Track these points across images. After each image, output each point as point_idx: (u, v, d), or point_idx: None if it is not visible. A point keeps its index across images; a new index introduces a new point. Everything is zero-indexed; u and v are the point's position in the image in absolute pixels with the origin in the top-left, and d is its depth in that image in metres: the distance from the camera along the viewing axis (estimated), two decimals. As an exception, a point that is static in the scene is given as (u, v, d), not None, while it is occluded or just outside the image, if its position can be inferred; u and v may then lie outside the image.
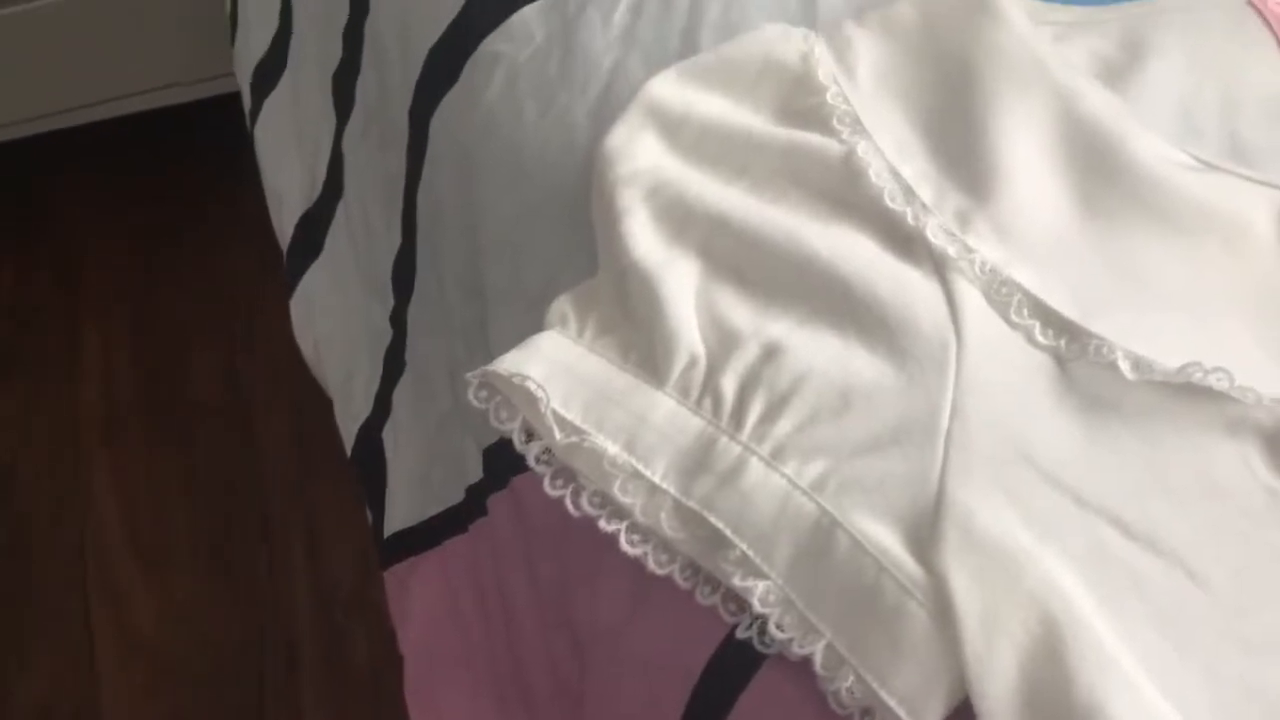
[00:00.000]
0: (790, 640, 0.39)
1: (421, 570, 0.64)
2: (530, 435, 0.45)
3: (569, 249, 0.51)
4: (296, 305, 0.77)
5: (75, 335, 1.22)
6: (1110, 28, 0.52)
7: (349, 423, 0.72)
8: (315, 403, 0.77)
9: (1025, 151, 0.47)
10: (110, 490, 1.15)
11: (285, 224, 0.77)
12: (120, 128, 1.26)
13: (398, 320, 0.66)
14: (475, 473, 0.58)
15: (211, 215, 1.27)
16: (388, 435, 0.68)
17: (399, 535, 0.66)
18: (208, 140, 1.18)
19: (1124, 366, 0.42)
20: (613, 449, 0.43)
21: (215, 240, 1.27)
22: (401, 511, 0.66)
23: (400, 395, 0.67)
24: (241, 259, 1.23)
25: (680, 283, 0.45)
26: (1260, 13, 0.53)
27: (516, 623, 0.53)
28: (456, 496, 0.60)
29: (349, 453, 0.72)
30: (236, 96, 0.86)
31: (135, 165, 1.32)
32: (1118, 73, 0.51)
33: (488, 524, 0.56)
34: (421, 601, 0.63)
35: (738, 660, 0.41)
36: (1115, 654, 0.36)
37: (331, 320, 0.73)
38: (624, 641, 0.45)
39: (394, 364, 0.67)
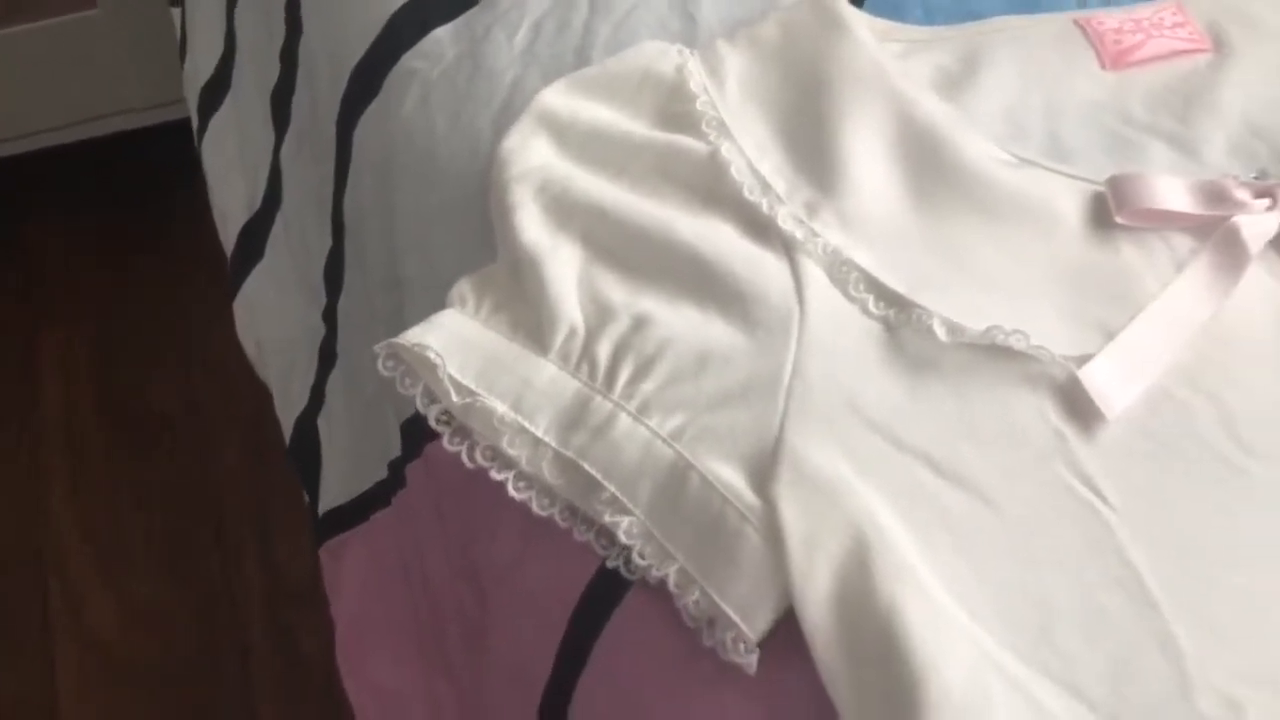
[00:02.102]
0: (649, 566, 0.46)
1: (351, 545, 0.69)
2: (433, 400, 0.51)
3: (474, 242, 0.58)
4: (239, 308, 0.83)
5: (35, 350, 1.28)
6: (951, 45, 0.60)
7: (287, 415, 0.78)
8: (268, 415, 0.82)
9: (867, 151, 0.54)
10: (68, 499, 1.20)
11: (229, 234, 0.84)
12: (85, 151, 1.32)
13: (329, 316, 0.72)
14: (396, 448, 0.64)
15: (171, 235, 1.33)
16: (322, 423, 0.74)
17: (331, 514, 0.71)
18: (168, 163, 1.24)
19: (940, 331, 0.49)
20: (501, 408, 0.49)
21: (174, 260, 1.33)
22: (333, 492, 0.72)
23: (333, 385, 0.73)
24: (199, 278, 1.29)
25: (563, 265, 0.52)
26: (1084, 31, 0.61)
27: (432, 580, 0.59)
28: (381, 473, 0.66)
29: (287, 442, 0.78)
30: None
31: (97, 188, 1.38)
32: (955, 83, 0.58)
33: (406, 493, 0.62)
34: (351, 574, 0.69)
35: (608, 587, 0.48)
36: (915, 567, 0.42)
37: (271, 321, 0.79)
38: (515, 578, 0.51)
39: (327, 357, 0.73)
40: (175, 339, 1.28)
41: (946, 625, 0.41)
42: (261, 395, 0.85)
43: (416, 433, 0.60)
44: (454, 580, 0.57)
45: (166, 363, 1.27)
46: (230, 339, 0.90)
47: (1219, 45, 0.60)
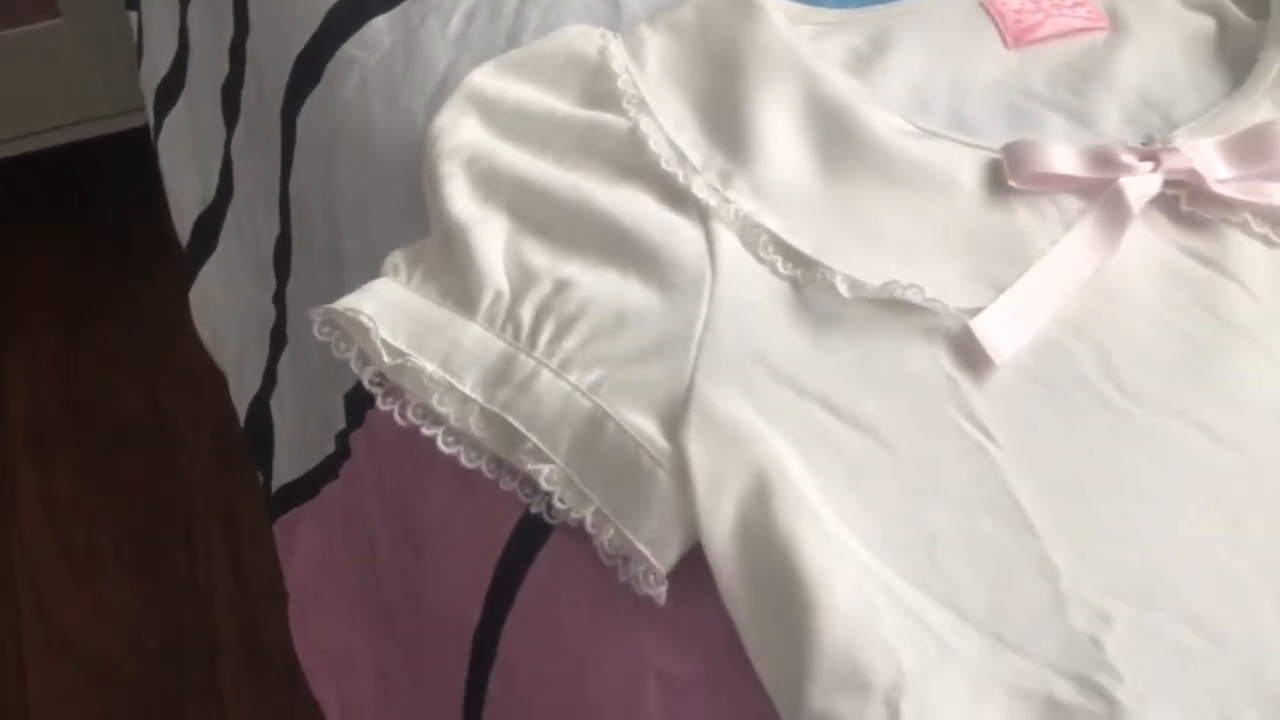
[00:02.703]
0: (569, 509, 0.49)
1: (303, 519, 0.72)
2: (366, 363, 0.54)
3: (409, 219, 0.60)
4: (195, 298, 0.85)
5: (1, 358, 1.29)
6: (861, 26, 0.63)
7: (242, 399, 0.80)
8: (233, 419, 0.84)
9: (778, 124, 0.57)
10: (36, 501, 1.22)
11: (184, 226, 0.86)
12: (49, 159, 1.34)
13: (279, 300, 0.75)
14: (342, 421, 0.66)
15: (133, 243, 1.35)
16: (274, 405, 0.77)
17: (284, 490, 0.74)
18: (131, 171, 1.26)
19: (842, 288, 0.52)
20: (430, 367, 0.52)
21: (137, 266, 1.35)
22: (285, 469, 0.74)
23: (283, 367, 0.75)
24: (162, 284, 1.31)
25: (490, 235, 0.55)
26: (988, 12, 0.64)
27: (375, 542, 0.62)
28: (329, 447, 0.69)
29: (242, 424, 0.80)
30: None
31: (61, 196, 1.40)
32: (864, 61, 0.61)
33: (351, 462, 0.65)
34: (303, 545, 0.71)
35: (532, 532, 0.51)
36: (812, 502, 0.45)
37: (225, 308, 0.82)
38: (447, 529, 0.54)
39: (278, 340, 0.76)
40: (140, 345, 1.31)
41: (838, 552, 0.44)
42: (226, 400, 0.87)
43: (358, 403, 0.63)
44: (393, 540, 0.59)
45: (131, 368, 1.30)
46: (194, 344, 0.92)
47: (1116, 24, 0.63)
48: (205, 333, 0.85)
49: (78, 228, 1.38)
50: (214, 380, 0.91)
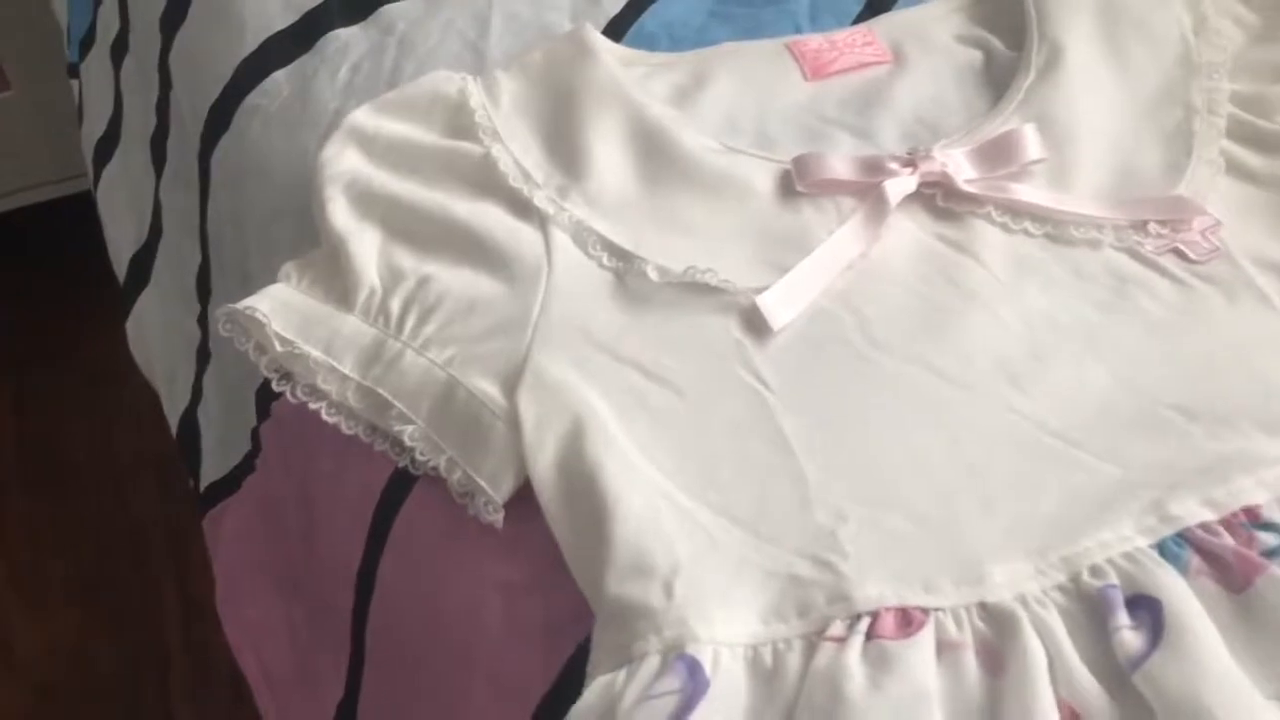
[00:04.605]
0: (427, 460, 0.59)
1: (227, 510, 0.82)
2: (263, 352, 0.64)
3: (304, 238, 0.71)
4: (131, 327, 0.96)
5: (-44, 407, 1.38)
6: (685, 66, 0.74)
7: (174, 414, 0.90)
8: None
9: (606, 147, 0.68)
10: (-11, 539, 1.30)
11: (121, 265, 0.97)
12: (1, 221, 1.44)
13: (203, 321, 0.85)
14: (254, 418, 0.77)
15: (80, 291, 1.44)
16: (201, 414, 0.87)
17: (210, 489, 0.84)
18: (75, 221, 1.34)
19: (652, 274, 0.63)
20: (315, 353, 0.63)
21: (83, 317, 1.44)
22: (211, 470, 0.84)
23: (208, 380, 0.86)
24: (107, 332, 1.40)
25: (366, 244, 0.66)
26: (792, 52, 0.76)
27: (283, 516, 0.72)
28: (246, 445, 0.79)
29: (174, 435, 0.90)
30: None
31: (12, 254, 1.49)
32: (686, 94, 0.73)
33: (263, 451, 0.75)
34: (226, 533, 0.81)
35: (401, 482, 0.61)
36: (617, 437, 0.56)
37: (157, 333, 0.92)
38: (334, 488, 0.64)
39: (203, 357, 0.86)
40: (88, 385, 1.40)
41: (634, 474, 0.55)
42: (171, 435, 0.96)
43: (266, 399, 0.73)
44: (296, 508, 0.69)
45: (80, 407, 1.39)
46: (139, 383, 1.01)
47: (899, 57, 0.75)
48: (140, 357, 0.95)
49: (28, 283, 1.47)
50: (158, 417, 0.99)
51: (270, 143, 0.76)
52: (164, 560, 1.28)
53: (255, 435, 0.77)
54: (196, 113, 0.81)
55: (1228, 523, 0.50)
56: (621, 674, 0.49)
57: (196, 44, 0.85)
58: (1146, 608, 0.47)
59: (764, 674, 0.49)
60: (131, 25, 0.96)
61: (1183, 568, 0.49)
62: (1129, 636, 0.46)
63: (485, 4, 0.80)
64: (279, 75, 0.78)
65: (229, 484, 0.82)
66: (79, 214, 1.28)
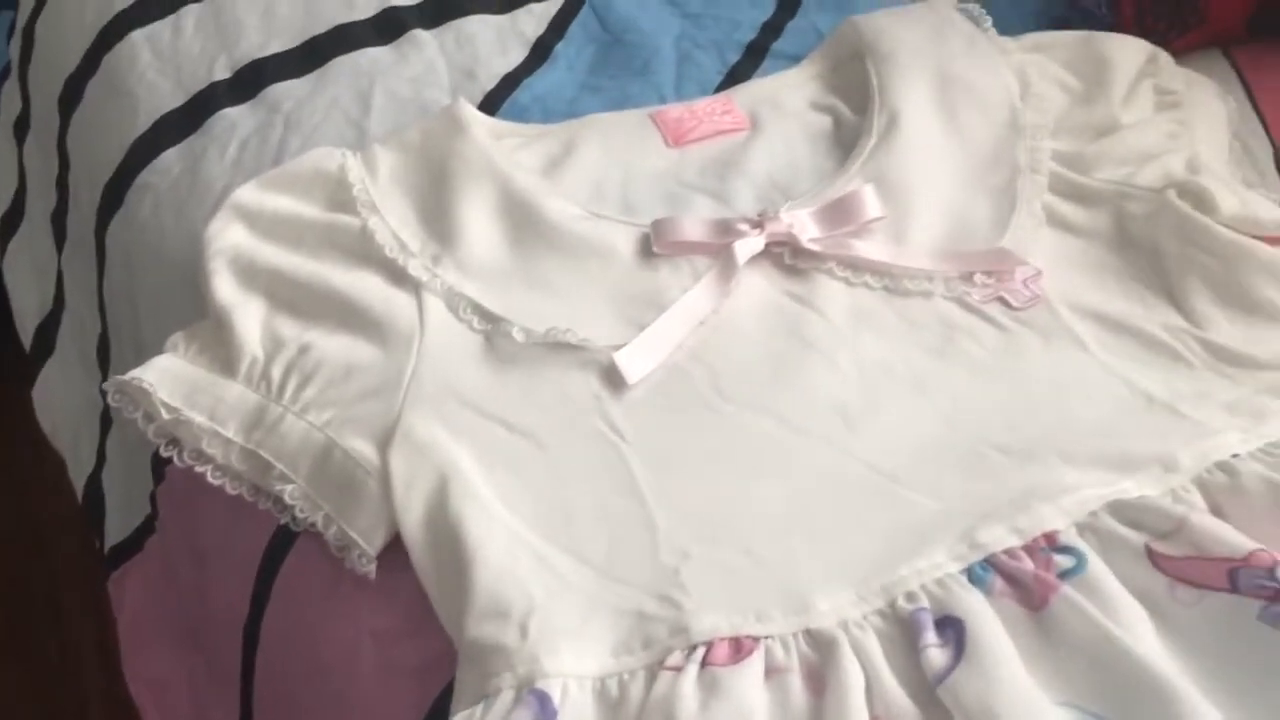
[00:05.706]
0: (306, 517, 0.63)
1: (130, 571, 0.85)
2: (150, 420, 0.68)
3: (192, 309, 0.75)
4: (37, 394, 0.99)
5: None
6: (555, 136, 0.79)
7: (79, 478, 0.93)
8: None
9: (477, 216, 0.73)
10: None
11: (27, 332, 1.00)
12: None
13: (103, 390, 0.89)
14: (152, 482, 0.80)
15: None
16: (105, 478, 0.90)
17: (114, 550, 0.87)
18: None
19: (518, 335, 0.67)
20: (200, 419, 0.66)
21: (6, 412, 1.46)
22: (115, 531, 0.87)
23: (111, 445, 0.89)
24: (25, 398, 1.43)
25: (249, 314, 0.70)
26: (655, 121, 0.80)
27: (179, 575, 0.75)
28: (147, 506, 0.82)
29: (80, 499, 0.93)
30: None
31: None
32: (556, 163, 0.77)
33: (161, 513, 0.78)
34: (129, 593, 0.84)
35: (282, 539, 0.65)
36: (480, 491, 0.60)
37: (62, 400, 0.95)
38: (223, 547, 0.68)
39: (106, 423, 0.89)
40: (7, 454, 1.42)
41: (493, 523, 0.59)
42: None
43: (160, 463, 0.77)
44: (190, 566, 0.73)
45: (1, 475, 1.40)
46: (58, 459, 1.04)
47: (755, 124, 0.80)
48: (46, 424, 0.98)
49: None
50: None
51: (161, 220, 0.80)
52: (84, 623, 1.30)
53: (154, 498, 0.80)
54: (91, 190, 0.85)
55: (1029, 548, 0.55)
56: (479, 709, 0.53)
57: (92, 124, 0.89)
58: (952, 627, 0.52)
59: (610, 703, 0.53)
60: (32, 105, 0.99)
61: (986, 590, 0.54)
62: (935, 654, 0.51)
63: (368, 83, 0.85)
64: (170, 154, 0.82)
65: (132, 544, 0.85)
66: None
